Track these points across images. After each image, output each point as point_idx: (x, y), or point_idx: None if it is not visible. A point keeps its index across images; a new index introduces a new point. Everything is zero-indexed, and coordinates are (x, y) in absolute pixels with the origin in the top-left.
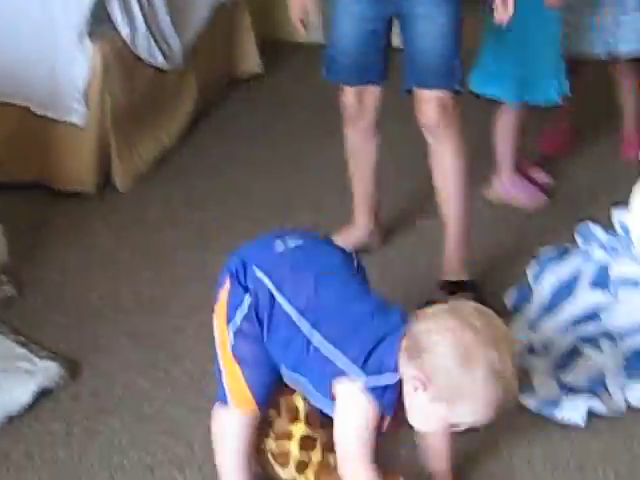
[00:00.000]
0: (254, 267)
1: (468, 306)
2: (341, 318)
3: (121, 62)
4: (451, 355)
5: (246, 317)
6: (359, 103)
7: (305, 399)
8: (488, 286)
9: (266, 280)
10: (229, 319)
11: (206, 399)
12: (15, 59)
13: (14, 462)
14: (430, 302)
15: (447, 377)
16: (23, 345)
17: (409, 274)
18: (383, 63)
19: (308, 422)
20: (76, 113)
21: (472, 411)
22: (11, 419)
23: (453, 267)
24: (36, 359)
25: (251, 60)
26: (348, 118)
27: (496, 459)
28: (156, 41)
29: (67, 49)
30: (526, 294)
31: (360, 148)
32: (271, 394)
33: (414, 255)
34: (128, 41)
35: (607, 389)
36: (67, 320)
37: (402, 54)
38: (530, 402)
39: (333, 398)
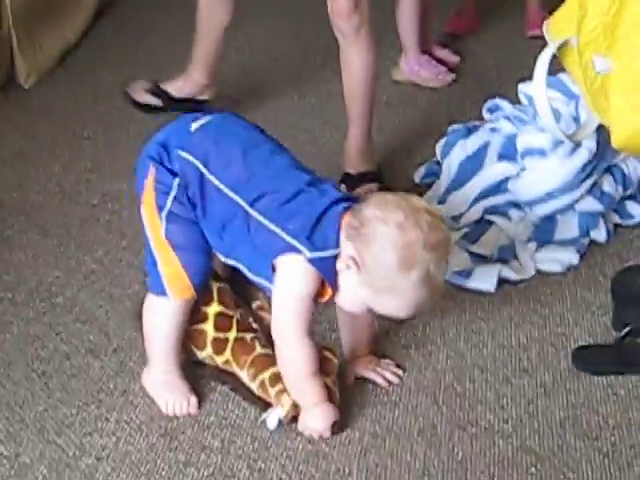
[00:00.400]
0: (176, 149)
1: (420, 204)
2: (277, 193)
3: None
4: (392, 250)
5: (177, 199)
6: None
7: (217, 279)
8: (398, 165)
9: (191, 158)
10: (160, 206)
11: (119, 287)
12: None
13: None
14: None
15: (382, 270)
16: None
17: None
18: None
19: (221, 301)
20: None
21: (396, 306)
22: None
23: (355, 160)
24: None
25: None
26: None
27: (410, 330)
28: None
29: None
30: (435, 170)
31: (214, 12)
32: (207, 277)
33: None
34: None
35: (517, 257)
36: None
37: None
38: None
39: (274, 269)
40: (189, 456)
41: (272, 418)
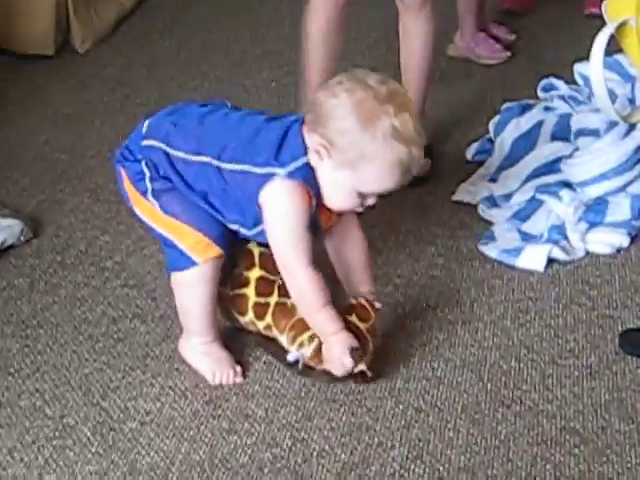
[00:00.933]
0: (138, 145)
1: (363, 70)
2: (238, 138)
3: None
4: (349, 114)
5: (153, 179)
6: None
7: (259, 244)
8: (450, 141)
9: (153, 142)
10: (143, 192)
11: None
12: None
13: None
14: None
15: (348, 138)
16: None
17: None
18: None
19: (263, 266)
20: None
21: (380, 173)
22: None
23: None
24: None
25: None
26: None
27: (457, 306)
28: None
29: None
30: (487, 147)
31: (330, 39)
32: (222, 229)
33: None
34: None
35: (567, 237)
36: (28, 179)
37: None
38: (491, 251)
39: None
40: (232, 424)
41: (294, 354)
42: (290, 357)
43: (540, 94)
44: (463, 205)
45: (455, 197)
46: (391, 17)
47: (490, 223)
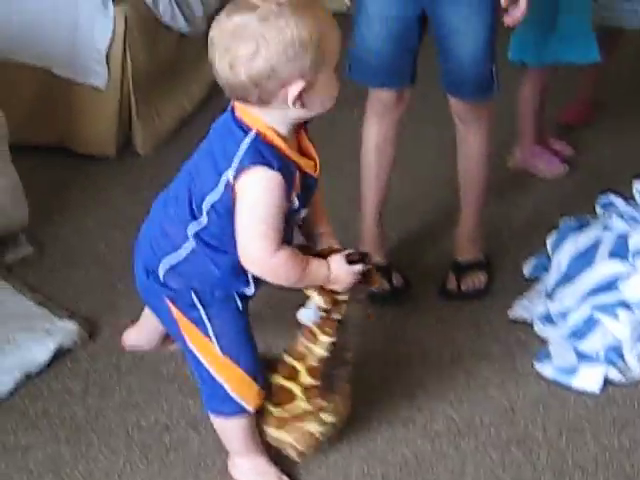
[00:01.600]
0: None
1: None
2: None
3: (144, 26)
4: (272, 48)
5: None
6: (387, 102)
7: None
8: (507, 255)
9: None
10: (195, 321)
11: None
12: (37, 20)
13: (31, 420)
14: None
15: (283, 57)
16: (42, 304)
17: (418, 257)
18: (412, 66)
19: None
20: (97, 75)
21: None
22: (30, 377)
23: (465, 248)
24: (55, 318)
25: None
26: (373, 112)
27: (511, 425)
28: (179, 6)
29: (90, 11)
30: (545, 263)
31: (383, 147)
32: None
33: (421, 238)
34: (151, 5)
35: (623, 358)
36: (85, 280)
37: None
38: (547, 370)
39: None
40: None
41: (307, 311)
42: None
43: (598, 210)
44: (519, 321)
45: (511, 313)
46: (447, 132)
47: (546, 341)
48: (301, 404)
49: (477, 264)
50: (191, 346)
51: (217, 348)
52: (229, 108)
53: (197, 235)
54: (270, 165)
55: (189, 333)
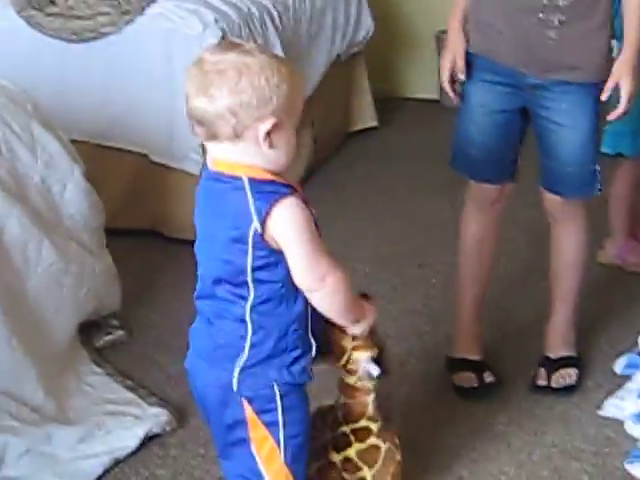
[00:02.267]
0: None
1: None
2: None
3: None
4: (257, 76)
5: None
6: (488, 196)
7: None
8: (598, 352)
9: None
10: (268, 424)
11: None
12: (136, 108)
13: None
14: None
15: (262, 91)
16: (132, 390)
17: (509, 352)
18: (513, 161)
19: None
20: (192, 162)
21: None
22: (118, 463)
23: (557, 344)
24: (145, 405)
25: (366, 112)
26: (474, 206)
27: None
28: None
29: None
30: (637, 361)
31: (483, 243)
32: None
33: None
34: None
35: None
36: (175, 365)
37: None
38: (638, 471)
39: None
40: None
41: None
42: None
43: None
44: (610, 420)
45: (602, 412)
46: (544, 218)
47: (637, 440)
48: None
49: (568, 360)
50: (254, 453)
51: (282, 457)
52: (205, 178)
53: (252, 310)
54: (281, 193)
55: (258, 438)
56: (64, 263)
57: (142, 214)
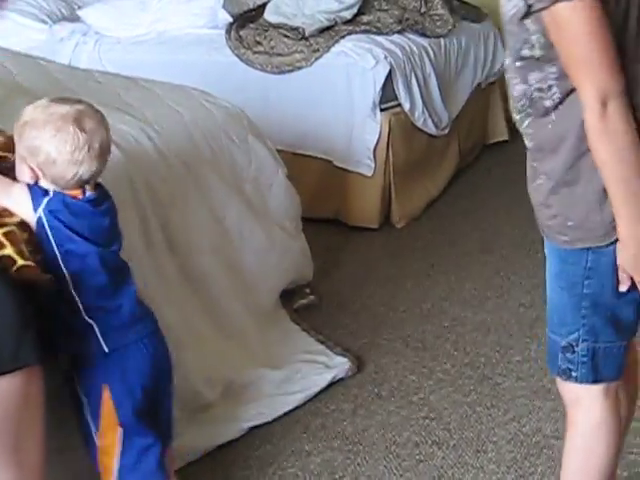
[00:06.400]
0: None
1: None
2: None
3: (403, 129)
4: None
5: None
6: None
7: None
8: None
9: None
10: None
11: (461, 394)
12: (322, 123)
13: (312, 431)
14: None
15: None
16: (322, 342)
17: None
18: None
19: None
20: (366, 166)
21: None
22: (311, 399)
23: None
24: (332, 354)
25: (499, 129)
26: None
27: None
28: (429, 114)
29: (362, 117)
30: None
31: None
32: None
33: None
34: (409, 113)
35: None
36: (355, 325)
37: None
38: None
39: None
40: None
41: None
42: None
43: None
44: None
45: None
46: None
47: None
48: None
49: None
50: None
51: None
52: None
53: None
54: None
55: None
56: (270, 243)
57: (327, 206)
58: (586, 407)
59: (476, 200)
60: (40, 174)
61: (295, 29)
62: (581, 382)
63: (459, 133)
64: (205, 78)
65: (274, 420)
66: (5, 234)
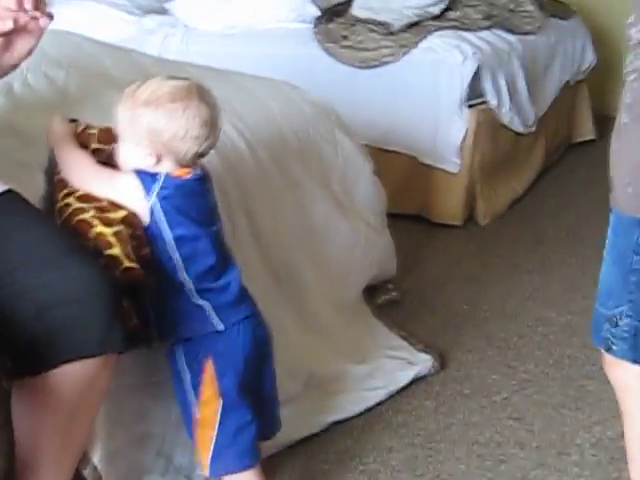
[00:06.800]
0: None
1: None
2: None
3: (489, 126)
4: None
5: None
6: None
7: None
8: None
9: None
10: None
11: (545, 395)
12: (408, 118)
13: (394, 428)
14: None
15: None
16: (404, 338)
17: None
18: None
19: None
20: (452, 163)
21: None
22: (393, 395)
23: None
24: (414, 350)
25: (586, 128)
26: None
27: None
28: (517, 111)
29: (449, 114)
30: None
31: None
32: None
33: None
34: (496, 110)
35: None
36: (438, 322)
37: None
38: None
39: None
40: None
41: None
42: None
43: None
44: None
45: None
46: None
47: None
48: None
49: None
50: None
51: None
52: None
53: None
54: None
55: None
56: (355, 238)
57: (412, 202)
58: (637, 392)
59: (561, 200)
60: (162, 155)
61: (382, 24)
62: (620, 357)
63: (546, 131)
64: (292, 72)
65: (355, 415)
66: (115, 234)
